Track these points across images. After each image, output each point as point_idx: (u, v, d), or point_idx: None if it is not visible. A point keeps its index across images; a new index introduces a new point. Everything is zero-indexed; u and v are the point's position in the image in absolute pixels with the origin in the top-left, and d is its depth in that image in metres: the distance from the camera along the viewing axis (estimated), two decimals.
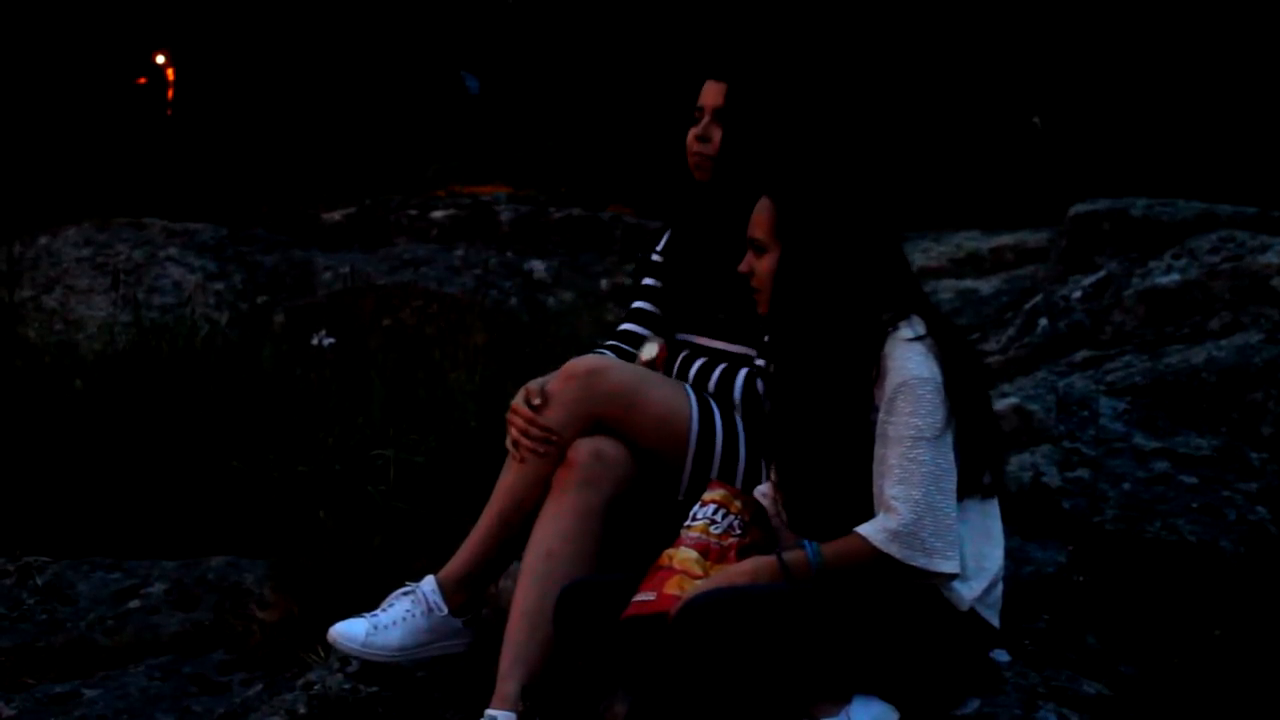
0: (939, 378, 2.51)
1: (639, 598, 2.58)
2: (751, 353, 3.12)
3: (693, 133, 3.15)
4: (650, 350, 3.23)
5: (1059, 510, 3.32)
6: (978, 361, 2.71)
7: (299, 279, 6.85)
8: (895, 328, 2.55)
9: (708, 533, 2.70)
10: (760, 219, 2.66)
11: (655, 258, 3.37)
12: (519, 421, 2.94)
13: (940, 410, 2.49)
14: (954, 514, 2.47)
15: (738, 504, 2.76)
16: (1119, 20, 9.49)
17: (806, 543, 2.51)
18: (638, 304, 3.34)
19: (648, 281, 3.36)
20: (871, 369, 2.54)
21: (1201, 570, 3.08)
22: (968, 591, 2.52)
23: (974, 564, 2.54)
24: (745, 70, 3.13)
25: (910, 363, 2.51)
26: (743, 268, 2.68)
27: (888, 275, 2.61)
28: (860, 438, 2.54)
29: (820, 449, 2.59)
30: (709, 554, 2.66)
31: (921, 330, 2.55)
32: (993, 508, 2.61)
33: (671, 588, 2.57)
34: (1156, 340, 4.15)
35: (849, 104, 9.22)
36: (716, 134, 3.12)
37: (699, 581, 2.57)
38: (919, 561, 2.44)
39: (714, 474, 2.99)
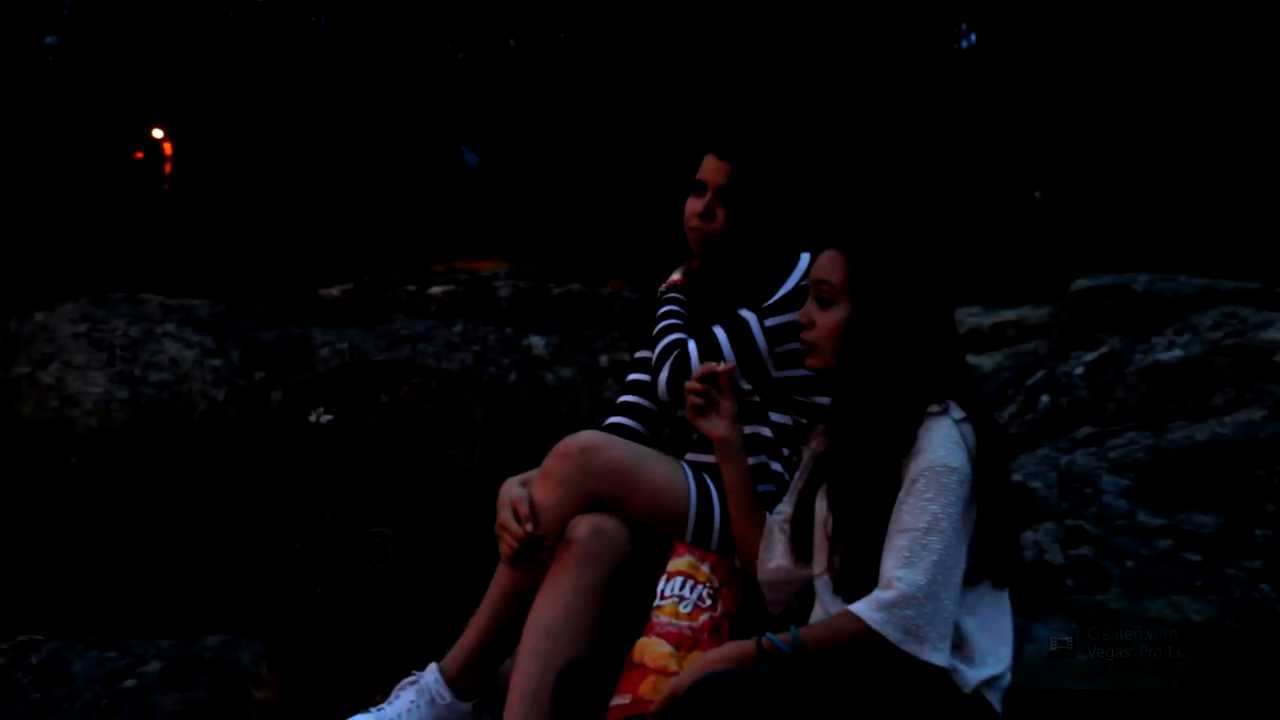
0: (967, 469, 2.50)
1: (616, 700, 2.59)
2: (762, 458, 3.10)
3: (694, 207, 3.14)
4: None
5: (1062, 588, 3.34)
6: (1007, 449, 2.68)
7: (296, 355, 6.88)
8: (938, 407, 2.54)
9: (677, 615, 2.70)
10: (833, 268, 2.64)
11: (643, 354, 3.33)
12: (508, 539, 2.95)
13: (960, 503, 2.48)
14: (953, 609, 2.46)
15: (704, 569, 2.76)
16: (1121, 94, 9.60)
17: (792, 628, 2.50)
18: (627, 397, 3.29)
19: (635, 377, 3.33)
20: (910, 445, 2.53)
21: (1207, 649, 3.09)
22: (974, 675, 2.51)
23: (983, 649, 2.53)
24: (749, 150, 3.14)
25: (942, 449, 2.50)
26: (801, 318, 2.66)
27: (945, 345, 2.61)
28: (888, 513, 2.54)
29: (867, 515, 2.57)
30: (682, 644, 2.66)
31: (959, 415, 2.54)
32: (1005, 599, 2.61)
33: (646, 689, 2.58)
34: (1159, 417, 4.17)
35: (850, 182, 9.30)
36: (720, 213, 3.12)
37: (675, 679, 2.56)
38: (910, 647, 2.43)
39: (714, 547, 2.97)
